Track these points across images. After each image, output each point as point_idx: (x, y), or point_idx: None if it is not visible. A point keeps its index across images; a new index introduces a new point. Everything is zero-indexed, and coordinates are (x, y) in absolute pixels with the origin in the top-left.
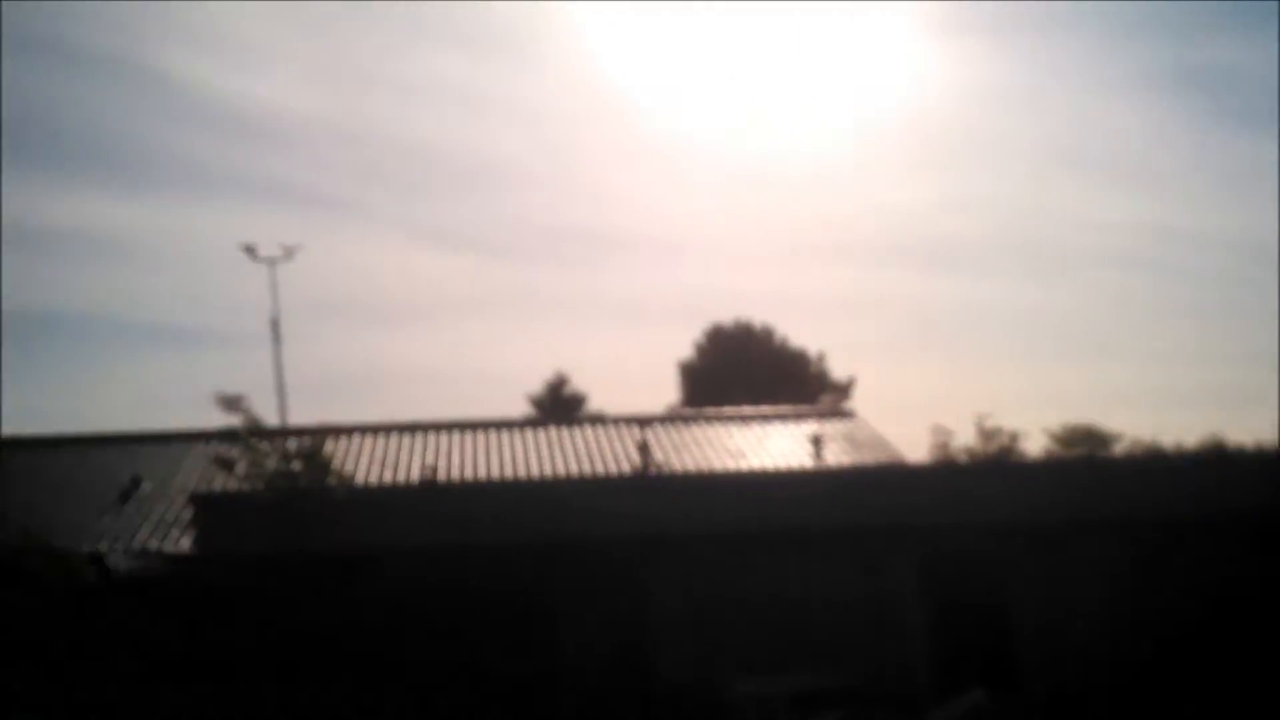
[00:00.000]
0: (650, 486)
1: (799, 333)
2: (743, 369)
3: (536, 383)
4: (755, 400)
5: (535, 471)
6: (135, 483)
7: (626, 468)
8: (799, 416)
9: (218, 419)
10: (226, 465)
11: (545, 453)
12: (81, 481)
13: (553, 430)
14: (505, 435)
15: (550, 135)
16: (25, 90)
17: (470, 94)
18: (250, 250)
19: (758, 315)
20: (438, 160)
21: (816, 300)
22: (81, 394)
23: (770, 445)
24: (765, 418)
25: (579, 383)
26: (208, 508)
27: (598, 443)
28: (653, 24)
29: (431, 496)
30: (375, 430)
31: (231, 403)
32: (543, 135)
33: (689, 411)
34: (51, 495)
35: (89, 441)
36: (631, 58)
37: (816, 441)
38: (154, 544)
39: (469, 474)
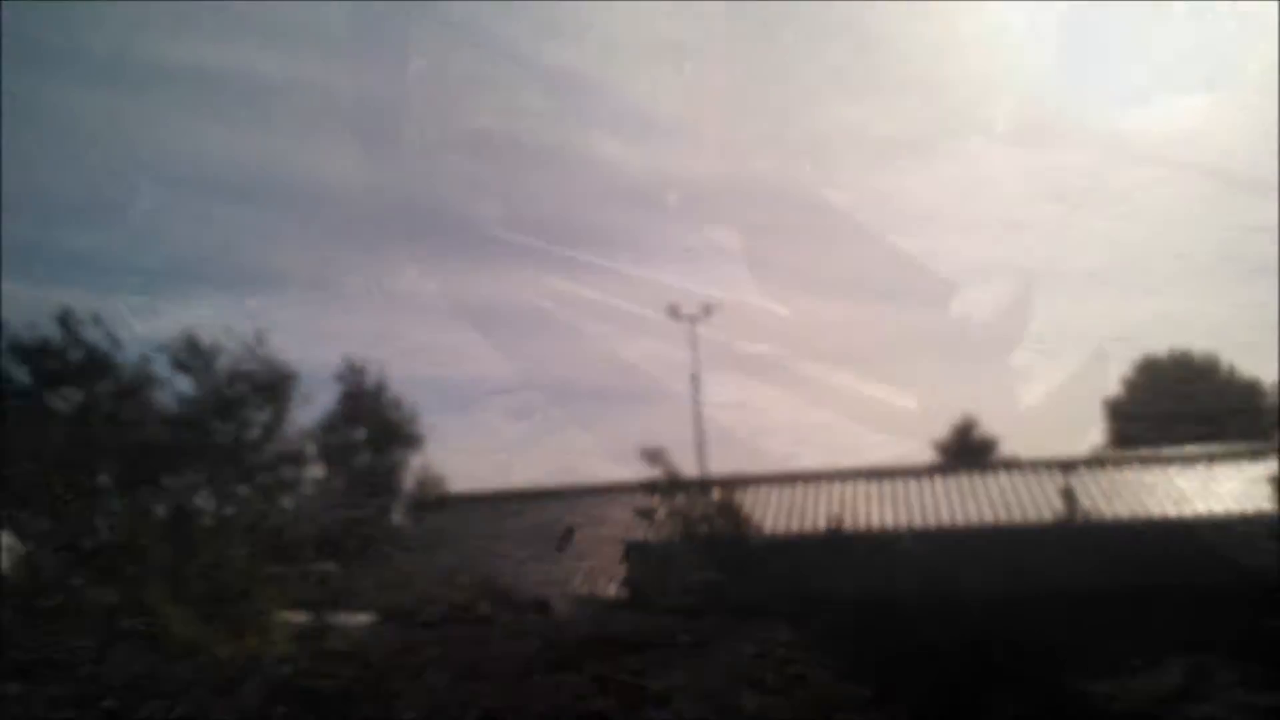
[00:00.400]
0: (1079, 535)
1: (1250, 361)
2: (1183, 404)
3: (942, 428)
4: (1199, 439)
5: (946, 520)
6: (569, 532)
7: (1048, 516)
8: (1256, 455)
9: (642, 472)
10: (647, 515)
11: (956, 500)
12: (523, 531)
13: (963, 476)
14: (912, 483)
15: (948, 172)
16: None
17: (862, 140)
18: (673, 311)
19: (1195, 344)
20: (828, 210)
21: (1258, 325)
22: (525, 452)
23: (1220, 488)
24: (1213, 457)
25: (988, 426)
26: (636, 555)
27: (1014, 489)
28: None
29: (839, 545)
30: (781, 480)
31: (653, 456)
32: (943, 175)
33: (1120, 454)
34: (499, 544)
35: (530, 496)
36: (1027, 76)
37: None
38: (586, 589)
39: (875, 523)
